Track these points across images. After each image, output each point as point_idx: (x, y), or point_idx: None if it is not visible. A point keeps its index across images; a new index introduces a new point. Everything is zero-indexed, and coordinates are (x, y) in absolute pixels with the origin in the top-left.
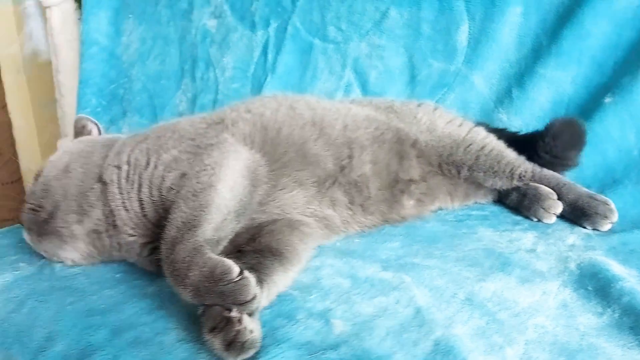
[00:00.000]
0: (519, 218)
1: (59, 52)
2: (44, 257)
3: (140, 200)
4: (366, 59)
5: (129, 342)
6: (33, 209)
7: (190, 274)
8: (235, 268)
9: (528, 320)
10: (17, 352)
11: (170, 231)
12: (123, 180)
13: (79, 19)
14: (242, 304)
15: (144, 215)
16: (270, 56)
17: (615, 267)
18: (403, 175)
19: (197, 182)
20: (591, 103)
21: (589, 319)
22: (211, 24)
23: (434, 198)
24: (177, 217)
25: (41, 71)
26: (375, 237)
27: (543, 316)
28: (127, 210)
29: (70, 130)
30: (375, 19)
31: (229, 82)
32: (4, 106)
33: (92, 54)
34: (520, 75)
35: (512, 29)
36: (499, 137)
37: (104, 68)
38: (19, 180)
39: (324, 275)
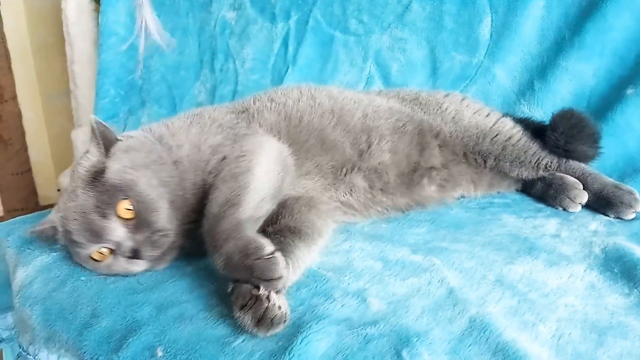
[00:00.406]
0: (540, 205)
1: (74, 42)
2: None
3: (194, 183)
4: (388, 52)
5: (174, 317)
6: (164, 235)
7: (227, 244)
8: (268, 247)
9: (558, 300)
10: (62, 329)
11: (213, 208)
12: (186, 159)
13: (94, 10)
14: (268, 280)
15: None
16: (290, 48)
17: (639, 252)
18: (424, 164)
19: (236, 167)
20: (613, 95)
21: (616, 299)
22: (230, 15)
23: (456, 184)
24: (219, 196)
25: (50, 63)
26: (401, 223)
27: (572, 296)
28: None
29: (84, 120)
30: (397, 12)
31: (249, 73)
32: (14, 97)
33: (111, 45)
34: (543, 68)
35: (534, 22)
36: (526, 128)
37: (122, 59)
38: (28, 171)
39: (355, 258)
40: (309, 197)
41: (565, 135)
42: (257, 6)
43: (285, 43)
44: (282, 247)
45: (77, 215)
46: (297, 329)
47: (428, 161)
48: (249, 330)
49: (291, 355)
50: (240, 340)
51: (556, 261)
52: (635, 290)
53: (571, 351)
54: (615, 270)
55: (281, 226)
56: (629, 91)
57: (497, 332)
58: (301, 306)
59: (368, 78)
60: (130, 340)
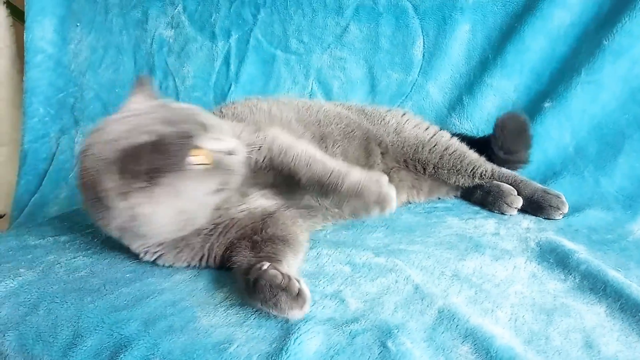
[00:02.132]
0: (476, 208)
1: None
2: (42, 262)
3: None
4: (329, 70)
5: (164, 330)
6: None
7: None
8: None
9: (508, 288)
10: (42, 352)
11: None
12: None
13: (12, 25)
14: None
15: None
16: (232, 66)
17: (568, 243)
18: (369, 169)
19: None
20: (532, 108)
21: (556, 285)
22: (168, 33)
23: (398, 189)
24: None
25: None
26: (359, 229)
27: (519, 285)
28: None
29: (1, 140)
30: (336, 33)
31: (190, 90)
32: None
33: (38, 62)
34: (470, 85)
35: (461, 44)
36: (462, 141)
37: (51, 76)
38: None
39: (325, 264)
40: (287, 211)
41: (512, 132)
42: (196, 25)
43: (226, 61)
44: (276, 253)
45: None
46: (286, 331)
47: (372, 167)
48: (285, 307)
49: (288, 354)
50: (235, 345)
51: (500, 255)
52: (570, 276)
53: (527, 330)
54: (551, 260)
55: (269, 235)
56: (546, 104)
57: (464, 319)
58: None
59: (310, 95)
60: (121, 355)
